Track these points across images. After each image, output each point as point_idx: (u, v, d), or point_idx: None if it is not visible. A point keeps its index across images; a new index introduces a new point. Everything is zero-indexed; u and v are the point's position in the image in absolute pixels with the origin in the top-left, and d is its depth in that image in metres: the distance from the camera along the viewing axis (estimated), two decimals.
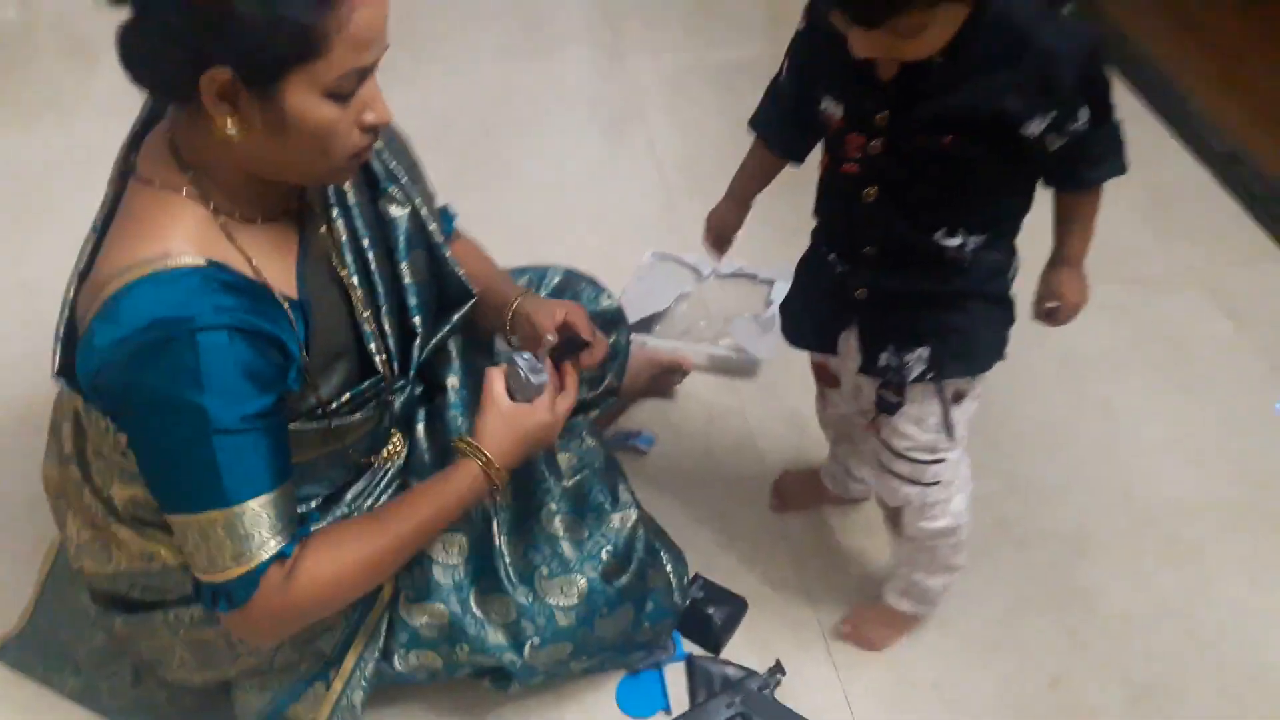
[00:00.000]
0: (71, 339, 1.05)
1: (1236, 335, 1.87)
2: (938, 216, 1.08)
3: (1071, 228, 1.13)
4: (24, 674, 1.38)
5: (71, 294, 1.06)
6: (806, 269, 1.26)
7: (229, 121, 0.91)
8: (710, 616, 1.42)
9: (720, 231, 1.32)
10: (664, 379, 1.72)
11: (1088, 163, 1.06)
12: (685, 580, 1.38)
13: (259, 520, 0.96)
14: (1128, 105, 2.41)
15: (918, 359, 1.15)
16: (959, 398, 1.20)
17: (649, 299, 1.82)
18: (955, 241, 1.08)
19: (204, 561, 0.97)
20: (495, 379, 1.15)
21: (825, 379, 1.35)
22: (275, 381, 0.98)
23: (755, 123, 1.25)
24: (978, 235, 1.08)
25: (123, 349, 0.91)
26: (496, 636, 1.20)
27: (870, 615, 1.44)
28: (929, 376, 1.16)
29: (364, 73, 0.93)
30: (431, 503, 1.11)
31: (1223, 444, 1.70)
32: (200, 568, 0.98)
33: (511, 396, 1.15)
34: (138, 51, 0.90)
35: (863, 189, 1.09)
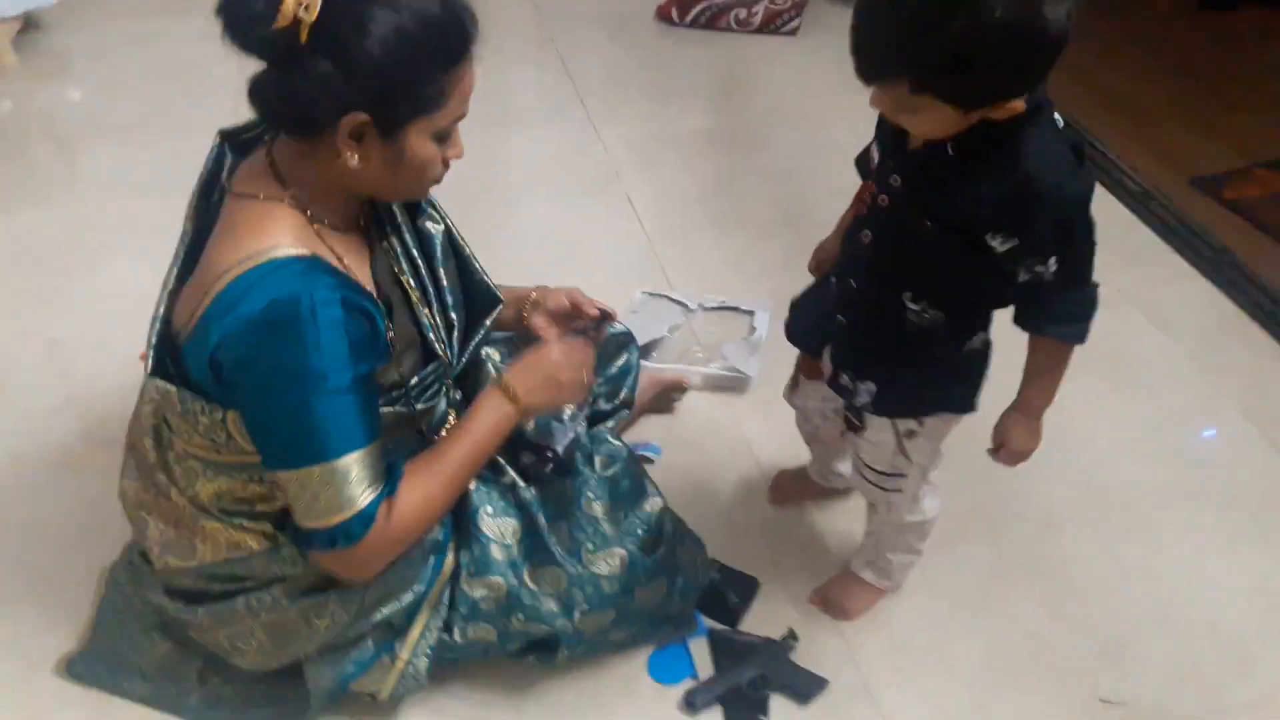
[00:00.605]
0: (165, 346, 1.19)
1: (1167, 344, 2.10)
2: (905, 282, 1.19)
3: (1033, 376, 1.21)
4: (95, 686, 1.46)
5: (162, 310, 1.21)
6: (823, 283, 1.38)
7: (354, 155, 1.08)
8: (727, 594, 1.56)
9: (820, 257, 1.41)
10: (665, 396, 1.89)
11: (1047, 314, 1.13)
12: (706, 561, 1.53)
13: (351, 473, 1.10)
14: None
15: (866, 390, 1.30)
16: (909, 435, 1.33)
17: (645, 330, 1.99)
18: (915, 308, 1.19)
19: (319, 508, 1.11)
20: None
21: (808, 372, 1.49)
22: (372, 351, 1.14)
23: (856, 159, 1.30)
24: (936, 311, 1.19)
25: (246, 327, 1.05)
26: (549, 604, 1.33)
27: (838, 585, 1.59)
28: (870, 409, 1.31)
29: (461, 119, 1.13)
30: (472, 431, 1.26)
31: (1163, 435, 1.91)
32: (315, 514, 1.11)
33: None
34: (280, 96, 1.05)
35: (862, 230, 1.21)
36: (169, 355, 1.20)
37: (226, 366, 1.09)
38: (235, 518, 1.25)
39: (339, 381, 1.08)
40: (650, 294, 2.16)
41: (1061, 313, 1.14)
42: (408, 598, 1.31)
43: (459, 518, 1.34)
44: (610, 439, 1.53)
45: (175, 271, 1.23)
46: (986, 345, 1.28)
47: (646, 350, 1.98)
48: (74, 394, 1.94)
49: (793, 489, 1.75)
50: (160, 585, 1.36)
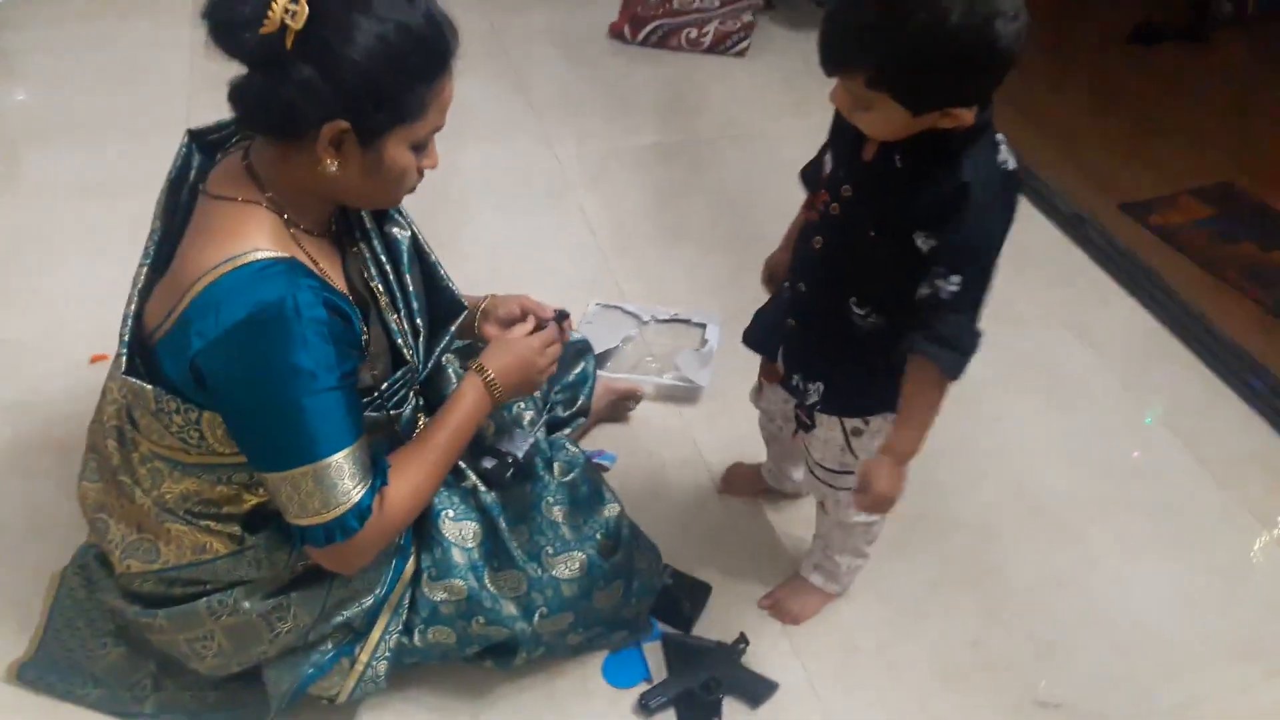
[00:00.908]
0: (135, 345, 1.20)
1: (1096, 361, 2.20)
2: (851, 288, 1.25)
3: (905, 419, 1.23)
4: (46, 693, 1.45)
5: (133, 308, 1.21)
6: (781, 291, 1.43)
7: (333, 162, 1.10)
8: (680, 599, 1.60)
9: (770, 269, 1.47)
10: (620, 405, 1.92)
11: (930, 330, 1.14)
12: (660, 566, 1.56)
13: (345, 469, 1.13)
14: None
15: (815, 390, 1.36)
16: (856, 433, 1.39)
17: (599, 340, 2.02)
18: (860, 312, 1.26)
19: (314, 506, 1.13)
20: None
21: (767, 375, 1.54)
22: (354, 348, 1.16)
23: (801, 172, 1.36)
24: (879, 316, 1.25)
25: (231, 332, 1.07)
26: (509, 608, 1.36)
27: (788, 590, 1.64)
28: (819, 408, 1.37)
29: (438, 130, 1.16)
30: (451, 418, 1.30)
31: (1093, 448, 1.99)
32: (310, 512, 1.13)
33: None
34: (263, 101, 1.06)
35: (813, 236, 1.27)
36: (140, 354, 1.20)
37: (210, 372, 1.10)
38: (202, 520, 1.26)
39: (328, 380, 1.10)
40: (604, 305, 2.20)
41: (943, 334, 1.15)
42: (369, 600, 1.32)
43: (420, 521, 1.36)
44: (568, 446, 1.56)
45: (145, 271, 1.23)
46: None
47: (601, 360, 2.01)
48: (21, 397, 1.92)
49: (743, 483, 1.81)
50: (118, 589, 1.35)
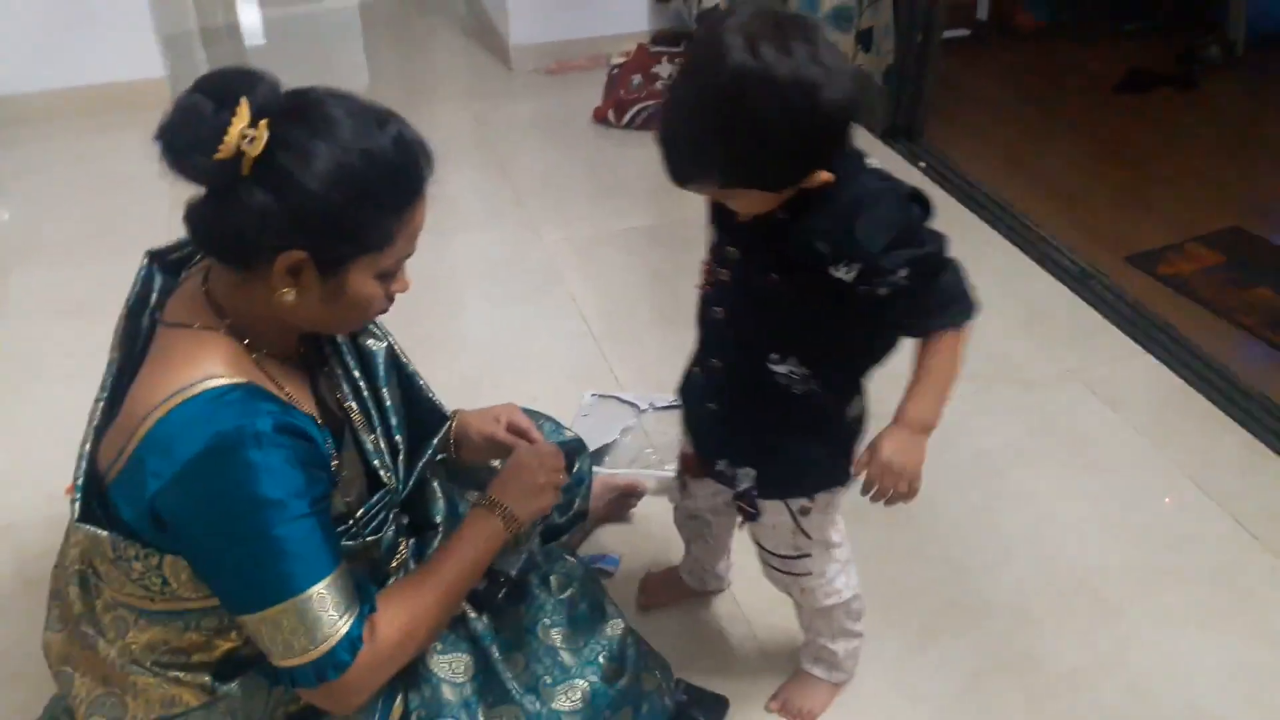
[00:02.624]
0: (93, 489, 1.11)
1: (1118, 421, 2.10)
2: (768, 344, 1.19)
3: (915, 383, 1.17)
4: None
5: (88, 448, 1.14)
6: (690, 370, 1.37)
7: (290, 291, 1.03)
8: (696, 717, 1.48)
9: None
10: (621, 503, 1.83)
11: (924, 312, 1.13)
12: (672, 683, 1.45)
13: (327, 601, 1.04)
14: (990, 240, 2.73)
15: (745, 475, 1.30)
16: (804, 512, 1.32)
17: (595, 434, 1.94)
18: (784, 369, 1.19)
19: (299, 645, 1.04)
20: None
21: (691, 469, 1.45)
22: (322, 471, 1.08)
23: None
24: (807, 368, 1.19)
25: (188, 468, 0.99)
26: None
27: (793, 688, 1.54)
28: (755, 494, 1.30)
29: (408, 257, 1.10)
30: (462, 549, 1.23)
31: (1126, 514, 1.89)
32: (295, 652, 1.04)
33: None
34: (216, 226, 1.00)
35: (713, 308, 1.24)
36: (96, 496, 1.12)
37: (170, 514, 1.02)
38: (170, 670, 1.16)
39: (298, 508, 1.02)
40: (600, 395, 2.12)
41: (935, 304, 1.12)
42: None
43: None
44: (566, 556, 1.46)
45: (101, 406, 1.16)
46: (864, 414, 1.28)
47: (598, 455, 1.93)
48: None
49: (662, 591, 1.70)
50: None
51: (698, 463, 1.40)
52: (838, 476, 1.28)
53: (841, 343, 1.20)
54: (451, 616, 1.23)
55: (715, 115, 0.99)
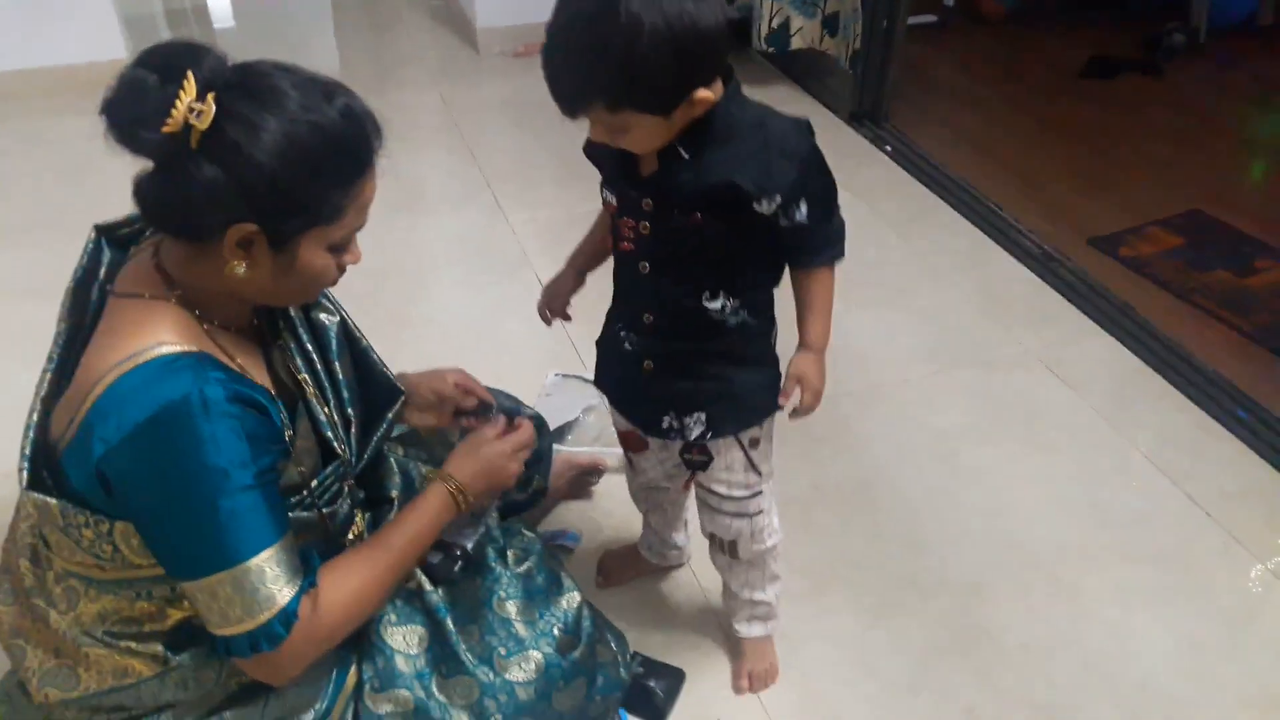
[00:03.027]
0: (41, 457, 1.11)
1: (1077, 401, 2.13)
2: (700, 283, 1.23)
3: (810, 314, 1.26)
4: None
5: (35, 418, 1.13)
6: (608, 346, 1.39)
7: (241, 264, 1.03)
8: (652, 689, 1.49)
9: (550, 297, 1.47)
10: (582, 480, 1.83)
11: (810, 249, 1.22)
12: (628, 656, 1.46)
13: (266, 573, 1.03)
14: (954, 223, 2.75)
15: (696, 421, 1.32)
16: (754, 443, 1.37)
17: (558, 412, 1.94)
18: (717, 304, 1.24)
19: (235, 614, 1.03)
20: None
21: (633, 445, 1.47)
22: (274, 443, 1.07)
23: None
24: (735, 299, 1.24)
25: (134, 434, 0.98)
26: (460, 717, 1.25)
27: (747, 659, 1.56)
28: (709, 436, 1.33)
29: (359, 229, 1.09)
30: (410, 522, 1.22)
31: (1083, 493, 1.91)
32: (231, 621, 1.03)
33: None
34: (165, 200, 1.00)
35: (638, 263, 1.26)
36: (46, 466, 1.11)
37: (116, 478, 1.01)
38: (121, 640, 1.16)
39: (242, 478, 1.01)
40: (563, 375, 2.12)
41: (820, 243, 1.21)
42: (308, 717, 1.21)
43: (360, 628, 1.26)
44: (524, 531, 1.46)
45: (49, 377, 1.15)
46: (776, 337, 1.35)
47: (560, 433, 1.93)
48: None
49: (621, 569, 1.72)
50: (40, 718, 1.24)
51: (638, 435, 1.42)
52: (775, 400, 1.31)
53: (760, 271, 1.26)
54: (397, 588, 1.23)
55: (593, 32, 1.03)
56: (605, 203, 1.29)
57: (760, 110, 1.17)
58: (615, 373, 1.39)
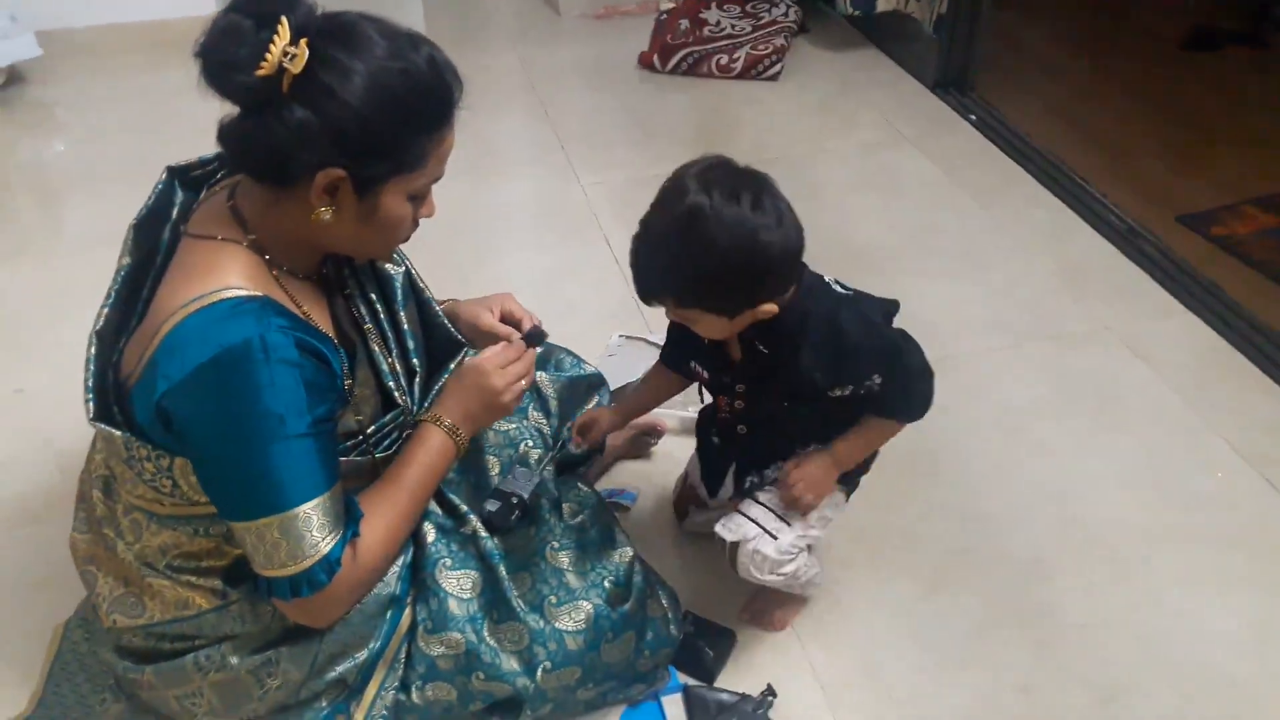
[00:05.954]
0: (111, 391, 1.15)
1: (1152, 378, 2.06)
2: (794, 440, 1.39)
3: (854, 434, 1.36)
4: None
5: (93, 351, 1.16)
6: (703, 430, 1.53)
7: (328, 210, 1.05)
8: (703, 649, 1.50)
9: (588, 425, 1.51)
10: (641, 441, 1.84)
11: (886, 411, 1.34)
12: (679, 614, 1.47)
13: (313, 520, 1.06)
14: (1036, 195, 2.67)
15: (776, 467, 1.42)
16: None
17: (621, 373, 1.94)
18: (807, 450, 1.39)
19: (281, 557, 1.07)
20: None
21: (695, 501, 1.63)
22: (329, 392, 1.09)
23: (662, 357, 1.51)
24: (818, 443, 1.38)
25: (195, 374, 1.01)
26: (510, 663, 1.28)
27: (764, 598, 1.56)
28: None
29: (438, 180, 1.11)
30: (418, 456, 1.24)
31: (1151, 471, 1.86)
32: (276, 563, 1.07)
33: None
34: (253, 143, 1.02)
35: (736, 427, 1.40)
36: (116, 402, 1.15)
37: (176, 416, 1.05)
38: (182, 574, 1.21)
39: (297, 426, 1.04)
40: (627, 337, 2.12)
41: (896, 407, 1.33)
42: (362, 655, 1.25)
43: (416, 570, 1.29)
44: (580, 485, 1.48)
45: (105, 312, 1.19)
46: None
47: (622, 393, 1.94)
48: (36, 446, 1.90)
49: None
50: (111, 643, 1.31)
51: (692, 496, 1.60)
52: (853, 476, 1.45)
53: (841, 423, 1.37)
54: (418, 520, 1.26)
55: (671, 243, 1.14)
56: (694, 371, 1.41)
57: (834, 302, 1.26)
58: (713, 454, 1.51)
